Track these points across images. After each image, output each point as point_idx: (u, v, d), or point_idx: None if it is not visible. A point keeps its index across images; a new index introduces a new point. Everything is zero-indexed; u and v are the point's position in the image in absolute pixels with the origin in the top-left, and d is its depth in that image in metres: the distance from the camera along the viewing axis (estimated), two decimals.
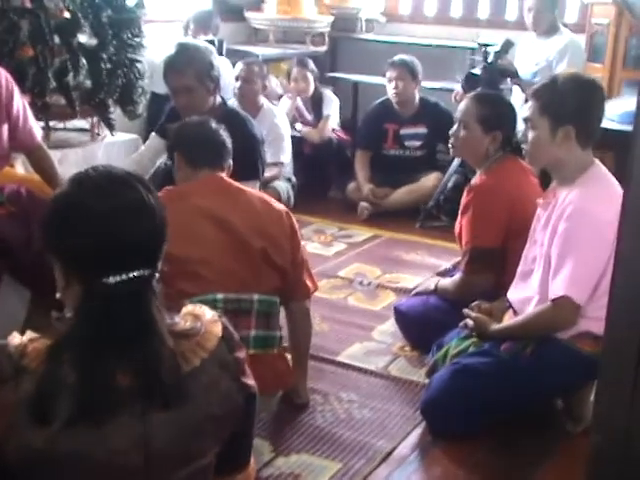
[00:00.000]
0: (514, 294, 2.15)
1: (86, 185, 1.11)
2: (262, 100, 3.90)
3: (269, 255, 1.97)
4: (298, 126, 4.36)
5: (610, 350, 1.02)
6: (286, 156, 3.94)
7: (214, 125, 2.17)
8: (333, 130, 4.38)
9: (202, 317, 1.21)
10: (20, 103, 2.40)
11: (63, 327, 1.14)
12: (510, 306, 2.16)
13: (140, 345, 1.08)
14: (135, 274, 1.08)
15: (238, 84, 3.79)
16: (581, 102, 1.97)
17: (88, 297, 1.09)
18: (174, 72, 2.65)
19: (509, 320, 2.12)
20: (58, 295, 1.15)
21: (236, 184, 2.09)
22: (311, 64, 4.39)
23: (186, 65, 2.62)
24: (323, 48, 4.87)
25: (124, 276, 1.07)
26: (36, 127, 2.51)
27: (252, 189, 2.73)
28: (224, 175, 2.11)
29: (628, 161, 0.95)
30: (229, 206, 1.99)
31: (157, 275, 1.13)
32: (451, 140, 2.53)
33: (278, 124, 3.86)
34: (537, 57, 3.89)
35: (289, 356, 2.16)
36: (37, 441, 1.04)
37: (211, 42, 3.67)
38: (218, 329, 1.20)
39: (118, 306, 1.08)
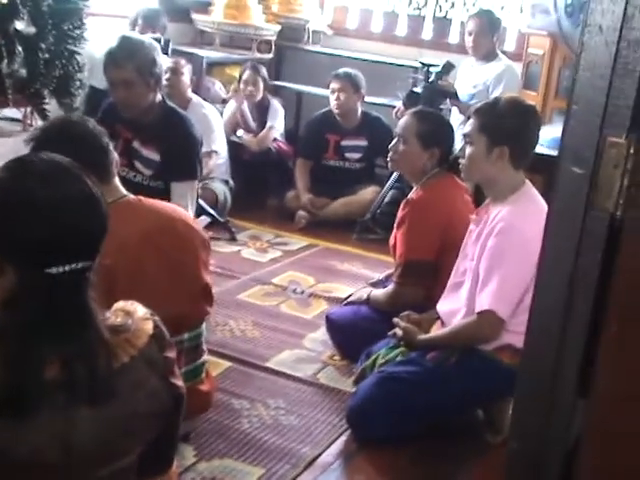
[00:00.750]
0: (443, 306, 2.21)
1: (31, 172, 1.07)
2: (190, 94, 3.89)
3: (209, 289, 1.94)
4: (239, 132, 4.36)
5: (528, 361, 1.06)
6: (218, 146, 3.91)
7: (88, 124, 1.82)
8: (275, 140, 4.39)
9: (133, 314, 1.19)
10: None
11: None
12: (438, 317, 2.22)
13: (75, 337, 1.06)
14: (78, 265, 1.06)
15: (166, 76, 3.75)
16: (518, 126, 2.06)
17: (24, 288, 1.05)
18: (114, 64, 2.58)
19: (436, 331, 2.18)
20: None
21: (161, 204, 1.96)
22: (263, 71, 4.39)
23: (127, 58, 2.56)
24: (269, 56, 4.88)
25: (67, 267, 1.05)
26: None
27: (190, 189, 2.73)
28: (116, 182, 1.86)
29: (553, 183, 1.00)
30: (175, 241, 1.86)
31: (93, 267, 1.10)
32: (390, 154, 2.59)
33: (207, 114, 3.85)
34: (475, 80, 4.02)
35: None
36: None
37: (157, 40, 3.62)
38: (149, 327, 1.19)
39: (56, 297, 1.05)
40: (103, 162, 1.78)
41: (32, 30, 2.92)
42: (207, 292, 1.96)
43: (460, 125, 3.82)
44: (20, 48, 2.85)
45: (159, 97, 2.71)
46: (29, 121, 3.24)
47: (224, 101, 4.54)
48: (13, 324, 1.05)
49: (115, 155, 1.88)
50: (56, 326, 1.06)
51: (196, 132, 2.80)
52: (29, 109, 3.16)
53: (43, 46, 2.95)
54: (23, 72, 2.94)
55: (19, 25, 2.87)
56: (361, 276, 3.36)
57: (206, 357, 2.07)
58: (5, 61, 2.83)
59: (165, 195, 2.57)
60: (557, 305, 0.98)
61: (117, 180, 1.87)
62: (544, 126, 3.62)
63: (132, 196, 1.89)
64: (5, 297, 1.07)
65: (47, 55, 2.97)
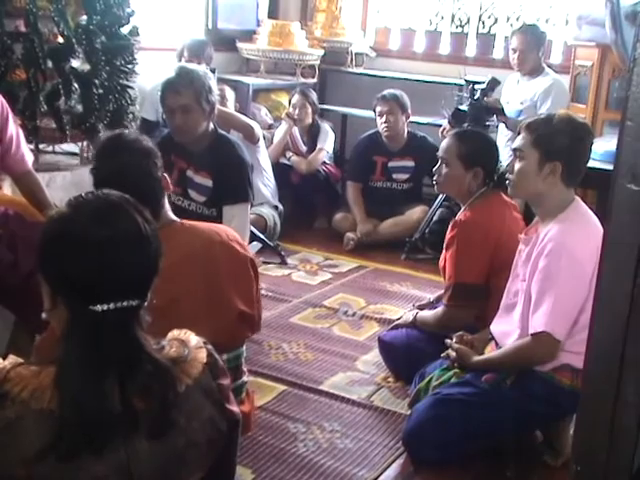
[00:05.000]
0: (496, 327, 2.18)
1: (84, 211, 1.11)
2: None
3: (245, 315, 1.94)
4: (289, 154, 4.41)
5: (589, 384, 1.05)
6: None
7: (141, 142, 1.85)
8: (324, 163, 4.44)
9: (188, 343, 1.21)
10: (14, 129, 2.42)
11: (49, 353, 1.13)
12: (492, 338, 2.19)
13: (132, 372, 1.08)
14: (123, 304, 1.08)
15: None
16: (572, 142, 2.02)
17: (73, 322, 1.09)
18: (174, 91, 2.66)
19: (491, 352, 2.15)
20: (44, 315, 1.15)
21: (203, 227, 1.97)
22: (312, 96, 4.46)
23: (186, 85, 2.64)
24: (313, 80, 4.94)
25: (112, 305, 1.07)
26: (28, 153, 2.52)
27: (241, 212, 2.77)
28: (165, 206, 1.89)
29: (608, 199, 0.98)
30: (211, 267, 1.87)
31: (145, 305, 1.13)
32: (434, 177, 2.58)
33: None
34: (522, 96, 3.98)
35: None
36: (18, 468, 1.03)
37: None
38: (203, 355, 1.21)
39: (102, 333, 1.07)
40: (149, 181, 1.79)
41: (87, 67, 3.05)
42: (245, 317, 1.95)
43: (508, 141, 3.79)
44: (76, 85, 2.98)
45: (211, 125, 2.79)
46: (86, 154, 3.36)
47: (270, 127, 4.62)
48: (67, 357, 1.07)
49: (167, 178, 1.89)
50: (110, 361, 1.07)
51: (246, 156, 2.86)
52: (85, 143, 3.29)
53: (97, 82, 3.08)
54: (79, 108, 3.07)
55: (75, 63, 3.00)
56: (411, 296, 3.35)
57: (246, 378, 2.10)
58: (62, 98, 2.96)
59: (219, 223, 2.62)
60: (617, 327, 0.96)
61: (166, 205, 1.89)
62: (595, 139, 3.58)
63: (179, 221, 1.92)
64: (62, 328, 1.11)
65: (101, 90, 3.10)
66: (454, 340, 2.21)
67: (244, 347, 2.07)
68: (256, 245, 3.58)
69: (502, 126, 3.96)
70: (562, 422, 2.08)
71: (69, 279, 1.08)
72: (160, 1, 4.28)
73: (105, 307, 1.07)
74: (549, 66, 4.14)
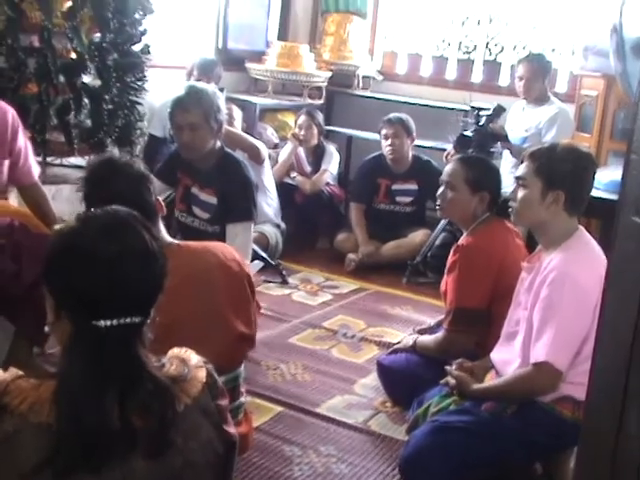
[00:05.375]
0: (497, 355, 2.16)
1: (93, 225, 1.11)
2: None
3: (244, 335, 1.94)
4: (293, 174, 4.43)
5: (592, 415, 1.04)
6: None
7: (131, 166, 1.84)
8: (327, 184, 4.45)
9: (188, 362, 1.21)
10: (23, 142, 2.45)
11: (48, 365, 1.13)
12: (493, 366, 2.17)
13: (132, 389, 1.08)
14: (126, 320, 1.08)
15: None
16: (575, 172, 2.02)
17: (78, 337, 1.08)
18: (182, 109, 2.70)
19: (491, 380, 2.13)
20: (47, 328, 1.15)
21: (201, 248, 1.95)
22: (318, 117, 4.49)
23: (195, 104, 2.68)
24: (319, 101, 4.98)
25: (115, 321, 1.07)
26: (34, 166, 2.55)
27: (244, 231, 2.78)
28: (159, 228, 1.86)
29: (613, 229, 0.98)
30: (210, 289, 1.87)
31: (148, 322, 1.13)
32: (438, 202, 2.58)
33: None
34: (527, 124, 4.00)
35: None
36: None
37: None
38: (202, 375, 1.20)
39: (104, 349, 1.07)
40: (143, 205, 1.69)
41: (98, 83, 3.09)
42: (244, 337, 1.94)
43: (512, 168, 3.80)
44: (86, 100, 3.02)
45: (218, 144, 2.81)
46: None
47: (276, 146, 4.64)
48: (69, 370, 1.07)
49: (160, 201, 1.88)
50: (111, 377, 1.07)
51: (252, 176, 2.88)
52: (93, 157, 3.31)
53: (107, 98, 3.12)
54: (88, 122, 3.11)
55: (86, 79, 3.05)
56: (412, 320, 3.33)
57: (244, 399, 2.09)
58: (72, 113, 3.00)
59: (222, 240, 2.62)
60: (620, 357, 0.95)
61: (161, 226, 1.87)
62: (600, 169, 3.59)
63: (175, 242, 1.91)
64: (65, 342, 1.11)
65: (111, 106, 3.14)
66: (454, 367, 2.19)
67: (242, 367, 2.07)
68: (258, 264, 3.58)
69: (506, 153, 3.97)
70: (563, 454, 2.05)
71: (75, 293, 1.08)
72: (172, 20, 4.33)
73: (109, 323, 1.07)
74: (555, 95, 4.17)
